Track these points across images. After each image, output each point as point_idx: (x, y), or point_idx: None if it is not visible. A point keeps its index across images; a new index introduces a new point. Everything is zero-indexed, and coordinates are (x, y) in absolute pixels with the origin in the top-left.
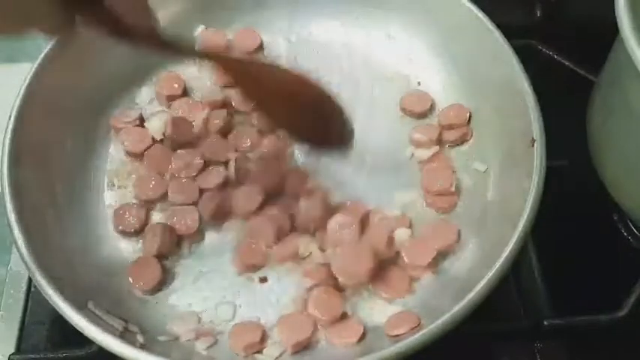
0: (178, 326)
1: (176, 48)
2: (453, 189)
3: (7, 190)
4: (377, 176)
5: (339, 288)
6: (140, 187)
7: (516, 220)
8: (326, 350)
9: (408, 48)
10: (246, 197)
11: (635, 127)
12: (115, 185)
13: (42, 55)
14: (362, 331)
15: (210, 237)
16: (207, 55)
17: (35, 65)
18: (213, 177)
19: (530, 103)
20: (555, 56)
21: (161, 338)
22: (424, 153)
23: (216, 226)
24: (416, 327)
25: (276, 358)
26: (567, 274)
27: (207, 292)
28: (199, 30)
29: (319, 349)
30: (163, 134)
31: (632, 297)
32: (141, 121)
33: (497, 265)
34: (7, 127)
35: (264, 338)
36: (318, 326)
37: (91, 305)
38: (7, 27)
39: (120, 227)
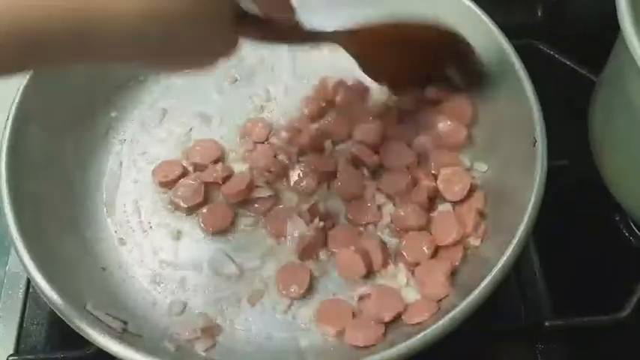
0: (177, 327)
1: (317, 38)
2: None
3: (5, 192)
4: None
5: None
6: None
7: (517, 220)
8: (329, 349)
9: None
10: None
11: (637, 127)
12: (114, 185)
13: None
14: None
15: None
16: (344, 35)
17: None
18: None
19: (531, 102)
20: (556, 56)
21: (161, 339)
22: None
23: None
24: (436, 313)
25: None
26: (568, 275)
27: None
28: None
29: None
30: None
31: (633, 297)
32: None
33: (499, 266)
34: (6, 128)
35: None
36: None
37: (89, 306)
38: (190, 64)
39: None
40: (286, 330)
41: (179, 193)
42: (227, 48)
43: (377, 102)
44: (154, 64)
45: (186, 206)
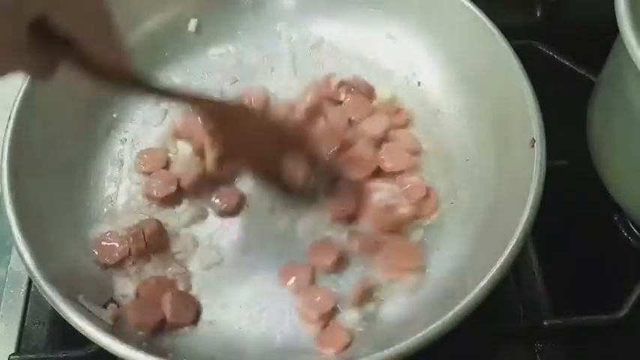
0: None
1: (151, 89)
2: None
3: (6, 191)
4: None
5: None
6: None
7: (516, 220)
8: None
9: (408, 48)
10: None
11: (635, 127)
12: (114, 185)
13: None
14: None
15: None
16: (179, 96)
17: None
18: None
19: (530, 103)
20: (555, 56)
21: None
22: None
23: None
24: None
25: None
26: (567, 275)
27: None
28: (192, 24)
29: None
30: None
31: (632, 297)
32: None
33: (498, 265)
34: (7, 128)
35: None
36: None
37: (81, 298)
38: None
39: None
40: None
41: (152, 183)
42: (32, 66)
43: (381, 102)
44: None
45: (159, 196)
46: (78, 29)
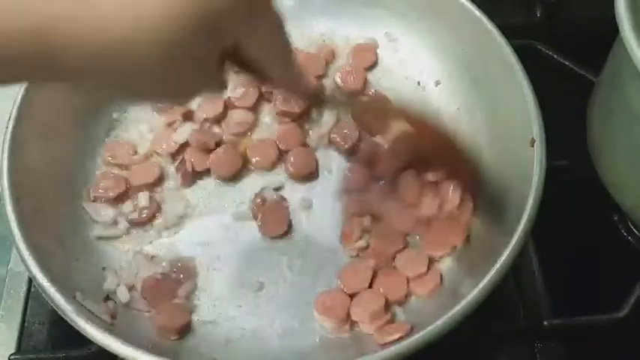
0: None
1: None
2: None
3: (6, 191)
4: None
5: None
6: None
7: (516, 220)
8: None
9: (408, 48)
10: None
11: (635, 127)
12: None
13: None
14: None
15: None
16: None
17: None
18: None
19: (530, 103)
20: (555, 56)
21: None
22: None
23: None
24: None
25: None
26: (567, 275)
27: None
28: None
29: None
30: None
31: (632, 297)
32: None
33: (498, 265)
34: (7, 128)
35: None
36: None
37: (78, 296)
38: (176, 97)
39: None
40: None
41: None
42: (208, 88)
43: None
44: (124, 95)
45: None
46: (265, 58)
